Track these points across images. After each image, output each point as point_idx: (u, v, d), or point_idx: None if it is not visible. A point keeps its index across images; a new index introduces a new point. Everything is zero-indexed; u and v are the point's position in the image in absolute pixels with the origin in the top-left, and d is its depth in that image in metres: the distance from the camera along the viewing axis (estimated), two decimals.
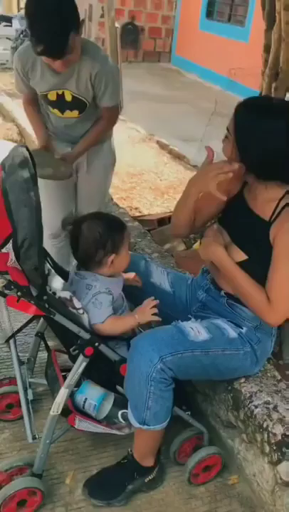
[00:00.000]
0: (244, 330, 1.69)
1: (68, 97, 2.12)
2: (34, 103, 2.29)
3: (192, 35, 9.72)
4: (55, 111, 2.20)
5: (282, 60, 2.31)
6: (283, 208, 1.57)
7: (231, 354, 1.65)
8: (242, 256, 1.63)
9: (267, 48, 2.45)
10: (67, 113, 2.18)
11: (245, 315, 1.69)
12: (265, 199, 1.63)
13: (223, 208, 1.79)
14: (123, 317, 1.67)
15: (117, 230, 1.64)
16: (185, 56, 10.05)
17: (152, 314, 1.65)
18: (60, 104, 2.16)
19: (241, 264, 1.62)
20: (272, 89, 2.41)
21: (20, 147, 1.44)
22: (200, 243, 1.79)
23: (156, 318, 1.66)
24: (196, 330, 1.63)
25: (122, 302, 1.73)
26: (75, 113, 2.17)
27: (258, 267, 1.60)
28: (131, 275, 1.81)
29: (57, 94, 2.13)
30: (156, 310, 1.66)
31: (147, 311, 1.66)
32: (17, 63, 2.13)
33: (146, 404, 1.53)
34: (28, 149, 1.43)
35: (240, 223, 1.68)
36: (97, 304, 1.60)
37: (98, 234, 1.59)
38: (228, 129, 1.58)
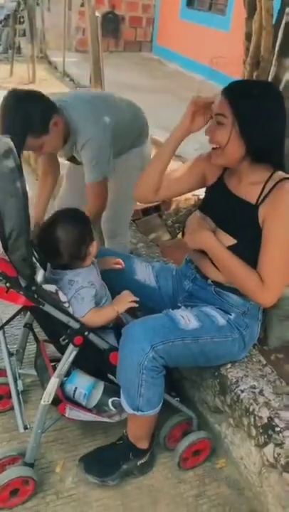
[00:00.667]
0: (232, 316, 1.72)
1: (79, 158, 2.19)
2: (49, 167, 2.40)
3: (173, 24, 9.65)
4: (72, 164, 2.38)
5: (263, 48, 2.32)
6: (271, 190, 1.58)
7: (220, 341, 1.67)
8: (230, 240, 1.64)
9: (248, 37, 2.45)
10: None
11: (233, 301, 1.72)
12: (250, 182, 1.64)
13: (203, 197, 1.80)
14: (103, 309, 1.68)
15: (86, 221, 1.68)
16: (166, 45, 9.99)
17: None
18: (75, 160, 2.27)
19: (230, 249, 1.62)
20: (254, 78, 2.43)
21: (5, 138, 1.43)
22: (182, 233, 1.80)
23: (134, 304, 1.69)
24: (187, 318, 1.65)
25: (105, 291, 1.74)
26: None
27: (248, 250, 1.61)
28: (102, 262, 1.83)
29: (68, 157, 2.28)
30: (134, 298, 1.69)
31: (125, 298, 1.69)
32: None
33: (139, 392, 1.56)
34: (12, 139, 1.42)
35: (225, 208, 1.68)
36: (79, 298, 1.61)
37: (77, 233, 1.61)
38: (220, 115, 1.56)
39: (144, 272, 1.94)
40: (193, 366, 1.87)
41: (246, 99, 1.54)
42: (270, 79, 2.49)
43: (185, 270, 1.89)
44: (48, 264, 1.69)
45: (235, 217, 1.65)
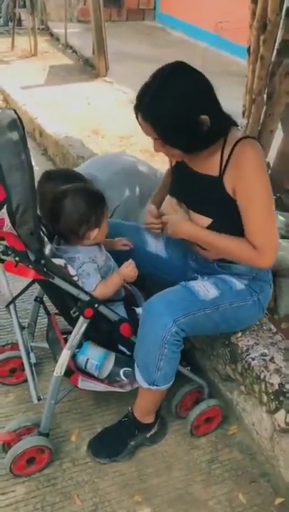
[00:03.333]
0: (246, 282, 1.71)
1: None
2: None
3: None
4: None
5: (269, 10, 2.24)
6: (229, 156, 1.53)
7: (239, 306, 1.67)
8: (206, 220, 1.61)
9: None
10: None
11: (240, 271, 1.71)
12: (205, 155, 1.58)
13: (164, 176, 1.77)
14: (108, 279, 1.67)
15: (99, 204, 1.64)
16: (169, 12, 9.73)
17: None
18: None
19: (209, 228, 1.61)
20: (261, 42, 2.36)
21: (8, 110, 1.42)
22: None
23: (135, 274, 1.67)
24: (205, 288, 1.64)
25: (110, 265, 1.73)
26: None
27: (226, 224, 1.59)
28: (110, 242, 1.81)
29: None
30: (135, 269, 1.67)
31: (127, 266, 1.67)
32: None
33: (158, 366, 1.57)
34: (15, 112, 1.41)
35: (191, 188, 1.65)
36: (85, 274, 1.61)
37: (82, 209, 1.59)
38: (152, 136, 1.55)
39: (155, 243, 1.93)
40: (215, 334, 1.87)
41: (150, 108, 1.48)
42: (277, 42, 2.43)
43: (185, 248, 1.86)
44: (54, 240, 1.69)
45: (203, 195, 1.62)
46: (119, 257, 1.76)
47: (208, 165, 1.59)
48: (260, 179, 1.52)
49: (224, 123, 1.57)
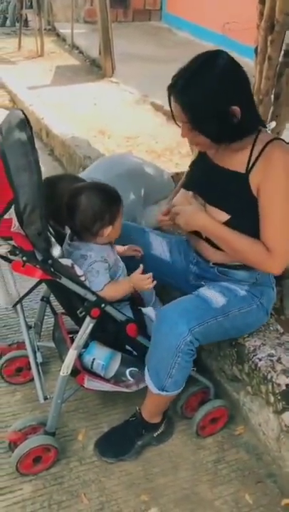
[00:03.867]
0: (246, 288, 1.71)
1: None
2: None
3: None
4: None
5: (277, 11, 2.24)
6: (259, 154, 1.52)
7: (247, 311, 1.67)
8: (224, 216, 1.57)
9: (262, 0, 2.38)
10: None
11: (240, 277, 1.70)
12: (234, 149, 1.56)
13: (186, 172, 1.75)
14: (119, 283, 1.68)
15: (114, 203, 1.64)
16: (175, 13, 9.74)
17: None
18: None
19: (225, 225, 1.57)
20: (268, 43, 2.36)
21: (16, 110, 1.43)
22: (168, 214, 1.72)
23: (151, 286, 1.66)
24: (215, 296, 1.64)
25: (119, 266, 1.73)
26: None
27: (244, 222, 1.56)
28: (121, 248, 1.81)
29: None
30: (149, 279, 1.65)
31: (141, 278, 1.65)
32: None
33: (170, 373, 1.56)
34: (23, 113, 1.41)
35: (212, 182, 1.62)
36: (94, 272, 1.61)
37: (97, 206, 1.59)
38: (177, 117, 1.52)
39: (159, 247, 1.93)
40: (226, 340, 1.85)
41: (184, 91, 1.45)
42: (285, 43, 2.42)
43: (187, 252, 1.86)
44: (67, 236, 1.69)
45: (224, 190, 1.59)
46: (128, 263, 1.77)
47: (235, 161, 1.57)
48: (286, 182, 1.50)
49: (256, 120, 1.55)
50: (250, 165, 1.53)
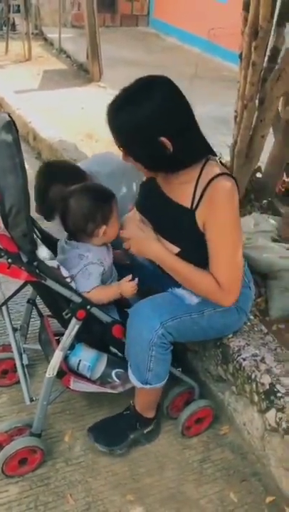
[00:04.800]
0: None
1: None
2: None
3: None
4: None
5: (261, 17, 2.27)
6: (204, 190, 1.49)
7: (223, 310, 1.67)
8: (174, 249, 1.57)
9: (246, 6, 2.41)
10: None
11: None
12: (179, 182, 1.55)
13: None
14: (108, 288, 1.68)
15: (105, 202, 1.64)
16: (163, 19, 9.80)
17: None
18: None
19: (177, 255, 1.57)
20: (253, 49, 2.40)
21: (2, 113, 1.44)
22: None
23: (135, 291, 1.67)
24: (189, 294, 1.65)
25: (112, 273, 1.75)
26: None
27: (193, 256, 1.56)
28: (118, 252, 1.81)
29: None
30: (135, 286, 1.67)
31: (129, 285, 1.67)
32: None
33: (148, 367, 1.59)
34: (9, 115, 1.43)
35: (162, 213, 1.60)
36: (86, 274, 1.62)
37: (86, 208, 1.60)
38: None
39: None
40: (205, 340, 1.86)
41: (115, 115, 1.45)
42: (268, 49, 2.47)
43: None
44: (65, 234, 1.70)
45: (173, 223, 1.57)
46: (120, 269, 1.77)
47: (181, 194, 1.55)
48: (231, 218, 1.50)
49: (195, 152, 1.51)
50: (195, 201, 1.51)
